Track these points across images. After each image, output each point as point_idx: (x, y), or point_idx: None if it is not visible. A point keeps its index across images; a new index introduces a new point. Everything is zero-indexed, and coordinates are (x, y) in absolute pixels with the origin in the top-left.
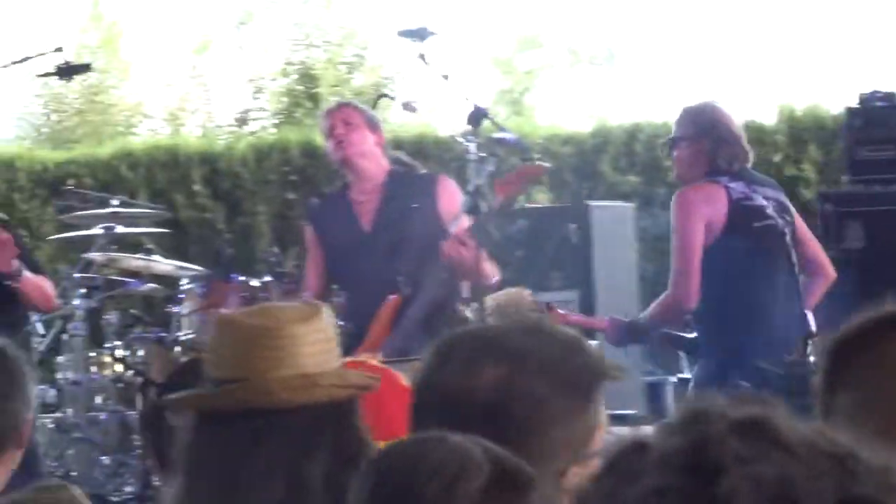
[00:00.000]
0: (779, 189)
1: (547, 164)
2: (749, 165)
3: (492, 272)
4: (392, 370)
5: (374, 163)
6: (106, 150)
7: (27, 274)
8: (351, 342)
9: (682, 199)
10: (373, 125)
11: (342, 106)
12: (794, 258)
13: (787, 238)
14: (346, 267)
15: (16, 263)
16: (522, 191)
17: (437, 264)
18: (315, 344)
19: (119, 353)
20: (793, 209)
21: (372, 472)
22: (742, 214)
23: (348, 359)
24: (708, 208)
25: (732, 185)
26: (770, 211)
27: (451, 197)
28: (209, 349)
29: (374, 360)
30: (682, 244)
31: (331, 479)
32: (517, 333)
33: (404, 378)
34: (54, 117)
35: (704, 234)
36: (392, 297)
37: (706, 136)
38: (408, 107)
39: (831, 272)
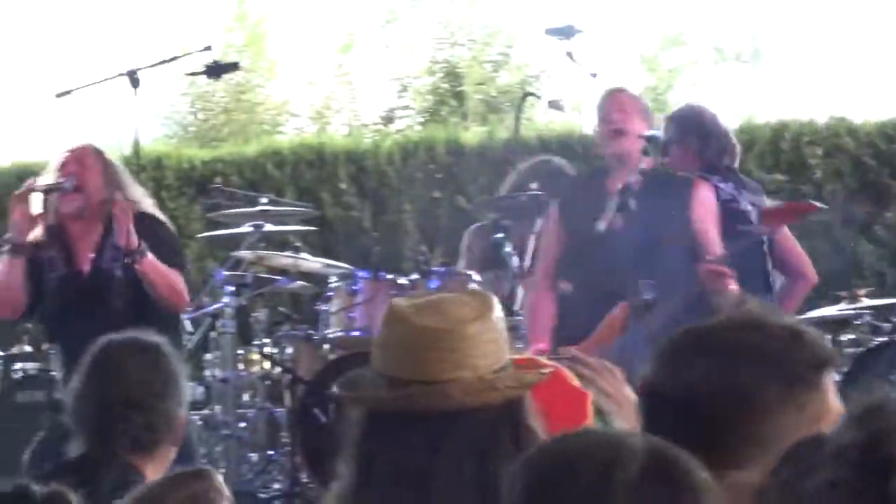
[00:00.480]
0: (762, 193)
1: (819, 204)
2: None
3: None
4: (562, 368)
5: (635, 149)
6: (252, 148)
7: (152, 258)
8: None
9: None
10: (645, 116)
11: (616, 92)
12: (769, 264)
13: (765, 245)
14: (582, 254)
15: (136, 241)
16: (788, 223)
17: (684, 278)
18: (489, 343)
19: (267, 350)
20: None
21: (527, 464)
22: (728, 217)
23: (517, 356)
24: None
25: (722, 185)
26: (753, 217)
27: (703, 204)
28: (377, 344)
29: (543, 358)
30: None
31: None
32: (733, 328)
33: (572, 377)
34: (201, 116)
35: None
36: (622, 304)
37: (692, 135)
38: (554, 105)
39: (812, 276)
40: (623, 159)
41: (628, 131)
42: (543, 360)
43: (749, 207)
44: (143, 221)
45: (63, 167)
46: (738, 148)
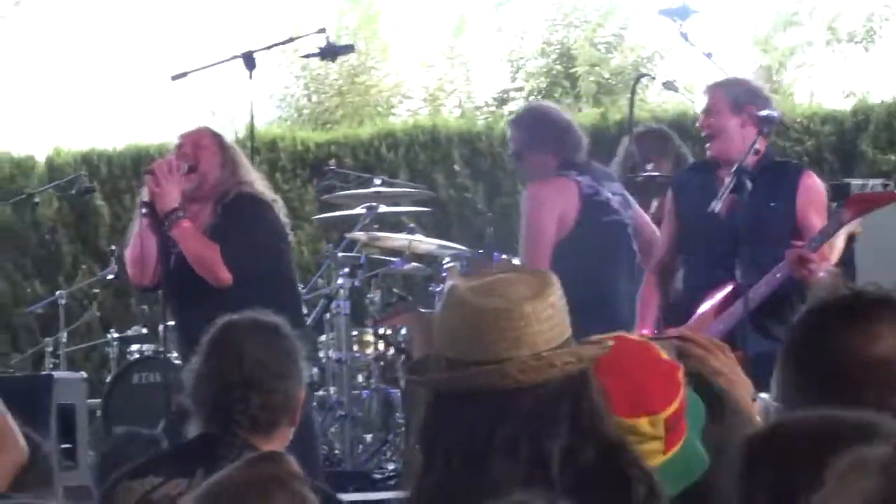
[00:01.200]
0: (616, 180)
1: None
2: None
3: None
4: (653, 344)
5: (734, 145)
6: (366, 130)
7: (189, 226)
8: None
9: (535, 193)
10: (736, 107)
11: (712, 89)
12: (636, 247)
13: (629, 230)
14: (694, 242)
15: (172, 204)
16: (871, 211)
17: (782, 262)
18: (547, 320)
19: (382, 331)
20: (633, 202)
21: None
22: (592, 209)
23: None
24: (561, 201)
25: (581, 179)
26: (615, 205)
27: (810, 194)
28: (440, 326)
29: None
30: (534, 235)
31: (568, 451)
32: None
33: (665, 353)
34: (315, 98)
35: (557, 226)
36: (730, 283)
37: (546, 136)
38: (669, 86)
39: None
40: (721, 158)
41: (719, 132)
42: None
43: (610, 196)
44: (243, 200)
45: (180, 149)
46: (585, 139)
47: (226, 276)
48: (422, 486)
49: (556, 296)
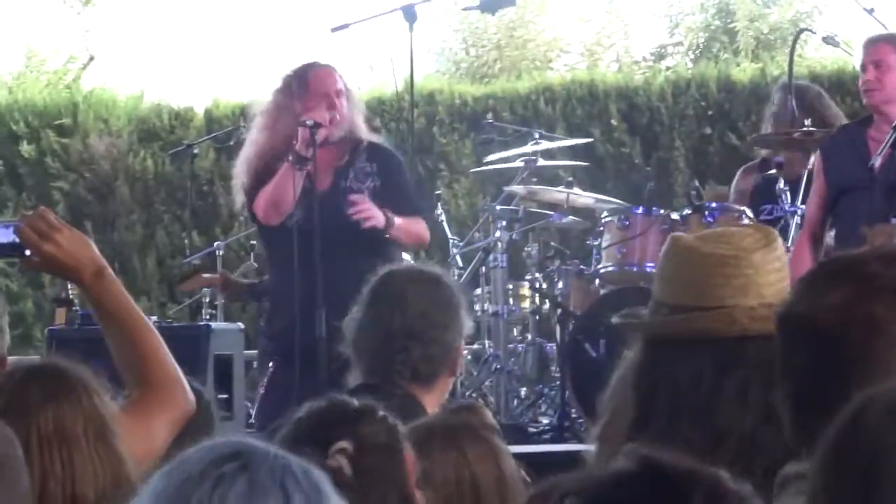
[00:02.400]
0: None
1: None
2: None
3: None
4: None
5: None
6: (524, 84)
7: (399, 222)
8: None
9: None
10: None
11: (879, 42)
12: None
13: None
14: (845, 199)
15: (382, 220)
16: None
17: None
18: (774, 273)
19: (538, 285)
20: None
21: None
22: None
23: None
24: None
25: None
26: None
27: None
28: (661, 275)
29: None
30: None
31: None
32: (874, 259)
33: None
34: (473, 52)
35: None
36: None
37: None
38: (829, 40)
39: None
40: (881, 110)
41: (882, 84)
42: None
43: None
44: (381, 149)
45: (327, 98)
46: None
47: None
48: (641, 432)
49: (782, 251)
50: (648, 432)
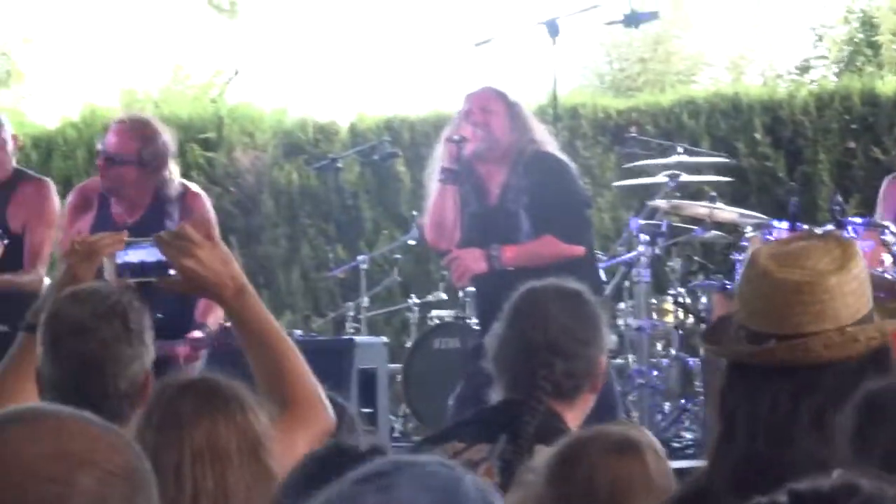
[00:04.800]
0: None
1: None
2: None
3: None
4: None
5: None
6: (668, 97)
7: (512, 252)
8: None
9: None
10: None
11: None
12: None
13: None
14: None
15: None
16: None
17: None
18: (850, 293)
19: (681, 299)
20: None
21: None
22: None
23: None
24: None
25: None
26: None
27: None
28: (740, 297)
29: None
30: None
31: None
32: None
33: None
34: (616, 65)
35: None
36: None
37: None
38: None
39: None
40: None
41: None
42: None
43: None
44: (544, 159)
45: (469, 115)
46: None
47: (577, 250)
48: (723, 456)
49: (860, 267)
50: (734, 453)
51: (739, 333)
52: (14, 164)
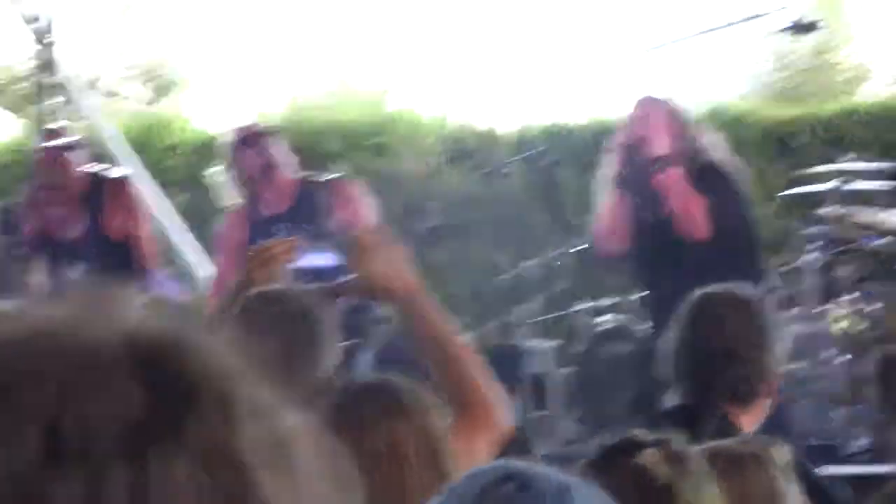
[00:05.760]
0: None
1: None
2: None
3: None
4: None
5: None
6: (831, 107)
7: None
8: None
9: None
10: None
11: None
12: None
13: None
14: None
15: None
16: None
17: None
18: None
19: (851, 306)
20: None
21: None
22: None
23: None
24: None
25: None
26: None
27: None
28: None
29: None
30: None
31: None
32: None
33: None
34: (782, 74)
35: None
36: None
37: None
38: None
39: None
40: None
41: None
42: None
43: None
44: (712, 166)
45: (640, 120)
46: None
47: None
48: None
49: None
50: None
51: None
52: (87, 168)
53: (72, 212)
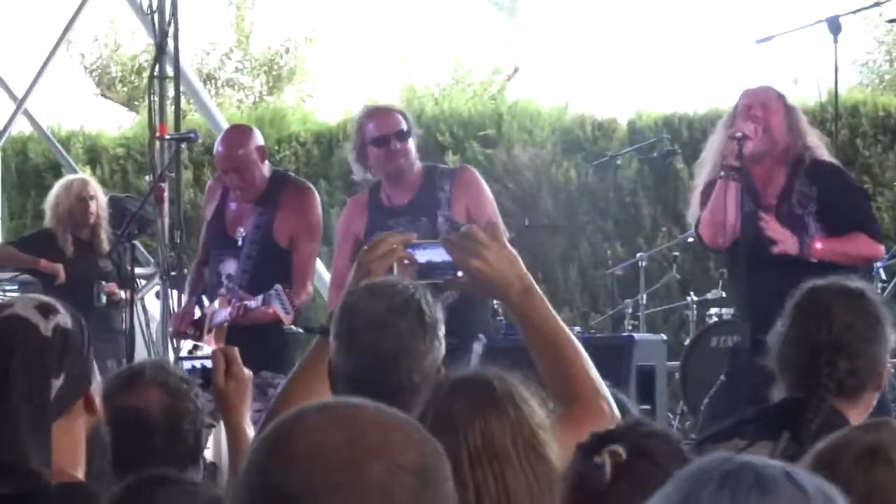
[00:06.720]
0: None
1: None
2: None
3: None
4: None
5: None
6: None
7: (818, 246)
8: None
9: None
10: None
11: None
12: None
13: None
14: None
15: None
16: None
17: None
18: None
19: None
20: None
21: None
22: None
23: None
24: None
25: None
26: None
27: None
28: None
29: None
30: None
31: None
32: None
33: None
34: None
35: None
36: None
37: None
38: None
39: None
40: None
41: None
42: None
43: None
44: (824, 166)
45: (748, 110)
46: None
47: (879, 250)
48: None
49: None
50: None
51: None
52: (266, 171)
53: (248, 210)
